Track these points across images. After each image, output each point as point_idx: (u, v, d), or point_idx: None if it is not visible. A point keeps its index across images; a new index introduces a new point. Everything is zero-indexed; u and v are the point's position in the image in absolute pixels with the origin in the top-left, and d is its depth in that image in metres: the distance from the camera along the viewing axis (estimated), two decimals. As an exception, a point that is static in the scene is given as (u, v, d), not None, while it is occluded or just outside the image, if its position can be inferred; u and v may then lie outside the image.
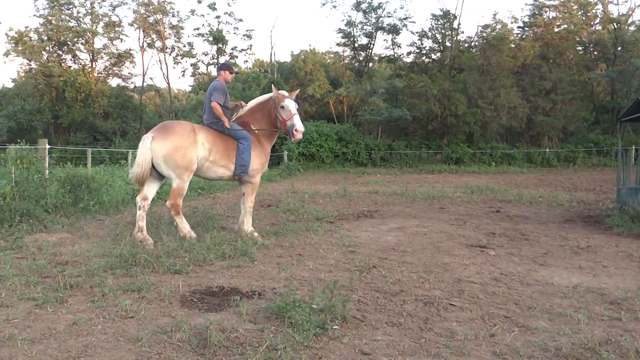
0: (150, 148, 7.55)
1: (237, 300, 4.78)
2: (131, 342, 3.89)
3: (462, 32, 52.24)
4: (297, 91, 8.83)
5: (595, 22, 45.20)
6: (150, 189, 7.92)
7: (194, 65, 49.34)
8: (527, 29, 45.27)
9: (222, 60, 47.08)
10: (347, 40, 47.30)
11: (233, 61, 47.98)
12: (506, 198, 15.12)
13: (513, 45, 42.30)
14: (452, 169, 32.78)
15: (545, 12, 44.17)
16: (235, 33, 47.56)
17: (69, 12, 47.40)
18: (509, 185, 20.40)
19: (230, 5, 55.36)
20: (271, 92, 8.45)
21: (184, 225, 7.86)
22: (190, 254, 6.69)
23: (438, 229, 9.57)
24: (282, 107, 8.20)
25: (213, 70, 47.92)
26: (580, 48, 45.09)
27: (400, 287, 5.49)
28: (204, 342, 3.85)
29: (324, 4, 60.97)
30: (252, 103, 8.71)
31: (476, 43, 43.94)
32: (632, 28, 42.36)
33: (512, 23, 46.90)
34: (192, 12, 47.90)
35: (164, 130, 7.80)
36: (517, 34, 45.99)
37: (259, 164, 8.41)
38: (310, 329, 4.00)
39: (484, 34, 43.35)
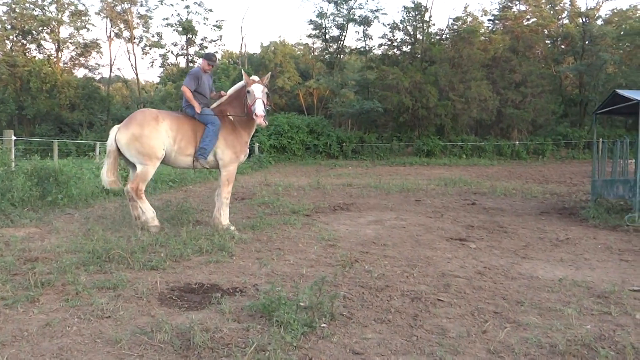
0: (115, 138, 7.94)
1: (219, 298, 4.59)
2: (110, 344, 3.67)
3: (434, 25, 52.56)
4: (268, 74, 8.66)
5: (564, 16, 45.69)
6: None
7: (163, 56, 48.69)
8: (497, 22, 45.54)
9: (191, 51, 46.52)
10: (318, 31, 47.10)
11: (202, 52, 47.37)
12: (480, 190, 15.13)
13: (484, 38, 42.63)
14: (424, 161, 32.87)
15: (515, 5, 44.50)
16: (205, 23, 47.03)
17: (34, 0, 46.26)
18: (480, 178, 20.48)
19: (199, -5, 54.42)
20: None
21: (148, 210, 7.92)
22: (166, 249, 6.49)
23: (416, 221, 9.48)
24: (248, 92, 8.09)
25: (182, 61, 47.38)
26: (549, 41, 45.57)
27: (386, 282, 5.35)
28: (187, 343, 3.66)
29: (295, -5, 60.56)
30: (230, 91, 8.61)
31: (447, 35, 44.14)
32: (599, 22, 42.91)
33: (482, 16, 47.22)
34: (161, 1, 46.90)
35: (128, 119, 8.13)
36: (488, 26, 46.29)
37: (232, 153, 8.27)
38: (298, 328, 3.83)
39: (455, 27, 43.54)
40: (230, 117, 8.31)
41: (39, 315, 4.21)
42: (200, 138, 8.09)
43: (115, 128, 8.16)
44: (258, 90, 8.01)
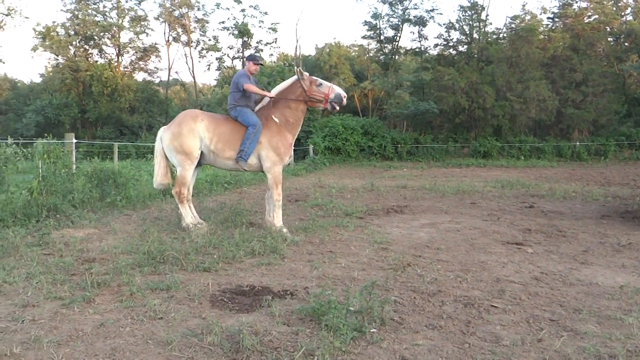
0: (161, 138, 8.39)
1: (269, 301, 4.60)
2: (160, 346, 3.72)
3: (490, 24, 51.70)
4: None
5: (627, 12, 44.19)
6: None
7: (219, 59, 49.40)
8: (556, 19, 44.38)
9: (247, 53, 47.00)
10: (372, 32, 46.98)
11: (259, 54, 47.89)
12: (538, 193, 14.75)
13: (542, 37, 41.54)
14: (480, 163, 32.28)
15: (576, 2, 43.28)
16: (260, 26, 47.47)
17: (96, 6, 47.78)
18: (539, 180, 19.97)
19: (255, -1, 55.13)
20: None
21: (187, 216, 8.16)
22: (219, 251, 6.56)
23: (471, 225, 9.30)
24: (320, 84, 8.46)
25: (238, 64, 47.96)
26: (611, 39, 44.05)
27: (438, 287, 5.26)
28: (236, 346, 3.67)
29: (349, -4, 60.50)
30: (277, 90, 8.62)
31: (505, 34, 43.27)
32: (665, 18, 41.35)
33: (541, 14, 46.12)
34: (218, 5, 48.00)
35: (172, 120, 8.46)
36: (547, 24, 45.13)
37: (276, 155, 8.26)
38: (348, 333, 3.80)
39: (513, 25, 42.65)
40: (275, 120, 8.35)
41: (94, 316, 4.30)
42: (240, 141, 8.15)
43: (161, 129, 8.56)
44: (325, 81, 8.57)
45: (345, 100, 8.48)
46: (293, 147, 8.87)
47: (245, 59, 8.96)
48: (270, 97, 8.44)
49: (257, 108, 8.57)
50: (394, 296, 4.90)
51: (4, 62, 74.09)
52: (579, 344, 3.86)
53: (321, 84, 8.47)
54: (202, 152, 8.21)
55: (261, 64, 8.95)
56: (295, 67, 9.75)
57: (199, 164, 8.49)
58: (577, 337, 4.02)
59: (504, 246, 7.47)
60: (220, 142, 8.13)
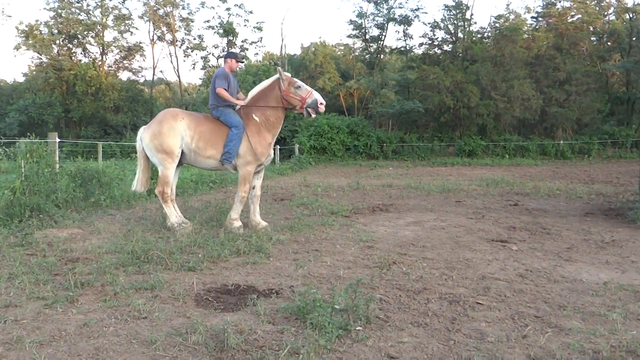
0: (140, 137, 8.31)
1: (254, 299, 4.58)
2: (145, 345, 3.69)
3: (475, 23, 51.92)
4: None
5: (610, 12, 44.64)
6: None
7: (205, 58, 49.20)
8: (540, 19, 44.73)
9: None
10: (358, 31, 47.09)
11: (243, 53, 47.75)
12: (523, 191, 14.84)
13: (526, 36, 41.95)
14: (465, 162, 32.46)
15: (559, 2, 43.64)
16: (245, 25, 47.40)
17: (79, 5, 47.46)
18: (524, 178, 20.10)
19: (240, -2, 54.97)
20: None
21: (172, 215, 8.08)
22: (204, 250, 6.53)
23: (456, 223, 9.33)
24: (299, 87, 8.22)
25: (223, 63, 47.76)
26: (594, 38, 44.54)
27: (423, 285, 5.27)
28: (221, 345, 3.65)
29: (335, -5, 60.59)
30: (254, 91, 8.53)
31: (489, 34, 43.58)
32: (647, 18, 41.73)
33: (525, 13, 46.44)
34: (202, 4, 47.70)
35: (152, 119, 8.39)
36: (531, 24, 45.53)
37: (252, 154, 8.20)
38: (333, 331, 3.79)
39: (497, 25, 42.93)
40: (255, 119, 8.28)
41: (78, 316, 4.25)
42: (221, 140, 8.11)
43: (142, 128, 8.50)
44: (304, 84, 8.29)
45: (322, 107, 8.19)
46: (279, 147, 8.82)
47: (225, 57, 8.82)
48: (242, 105, 8.34)
49: (237, 107, 8.47)
50: (380, 294, 4.90)
51: (-14, 62, 73.25)
52: (564, 340, 3.87)
53: (300, 86, 8.23)
54: (182, 152, 8.13)
55: (242, 62, 8.90)
56: (279, 67, 9.68)
57: (180, 164, 8.38)
58: (562, 333, 4.04)
59: (489, 244, 7.50)
60: (202, 141, 8.07)
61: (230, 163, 8.16)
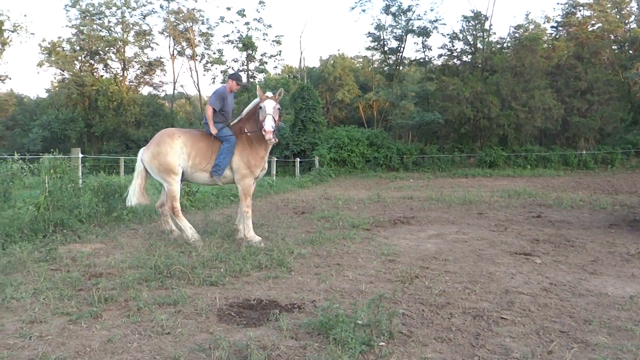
0: (141, 158, 8.56)
1: (277, 315, 4.57)
2: (168, 361, 3.70)
3: (494, 33, 51.61)
4: (281, 90, 8.66)
5: (630, 20, 44.22)
6: (165, 196, 8.62)
7: (224, 72, 49.49)
8: (560, 28, 44.48)
9: (251, 66, 47.18)
10: (376, 44, 47.18)
11: (263, 67, 47.98)
12: (545, 202, 14.71)
13: (546, 46, 41.66)
14: (486, 173, 32.23)
15: (579, 10, 43.34)
16: (264, 39, 47.43)
17: (100, 21, 48.14)
18: (546, 189, 19.92)
19: (259, 12, 55.43)
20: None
21: (187, 228, 8.27)
22: (226, 265, 6.54)
23: (478, 235, 9.27)
24: (261, 107, 8.23)
25: (244, 77, 48.08)
26: (615, 47, 44.04)
27: (446, 299, 5.22)
28: (244, 361, 3.65)
29: (353, 8, 60.84)
30: (247, 108, 8.78)
31: (508, 44, 43.36)
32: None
33: (545, 23, 46.24)
34: (222, 19, 47.84)
35: (150, 140, 8.64)
36: (551, 33, 45.27)
37: (246, 167, 8.40)
38: (356, 347, 3.77)
39: (517, 35, 42.77)
40: (248, 134, 8.46)
41: (102, 331, 4.28)
42: (216, 155, 8.36)
43: (141, 150, 8.73)
44: (269, 106, 8.14)
45: (267, 135, 7.97)
46: (299, 160, 8.86)
47: (228, 77, 8.98)
48: (213, 134, 8.45)
49: (233, 122, 8.73)
50: (402, 309, 4.86)
51: (10, 78, 74.73)
52: (590, 356, 3.82)
53: (262, 108, 8.20)
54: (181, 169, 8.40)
55: (243, 85, 9.00)
56: (257, 85, 9.77)
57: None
58: (588, 348, 3.98)
59: (512, 257, 7.43)
60: (198, 157, 8.35)
61: (220, 176, 8.37)
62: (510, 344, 4.07)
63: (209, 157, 8.34)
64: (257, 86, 8.79)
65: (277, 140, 8.27)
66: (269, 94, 8.42)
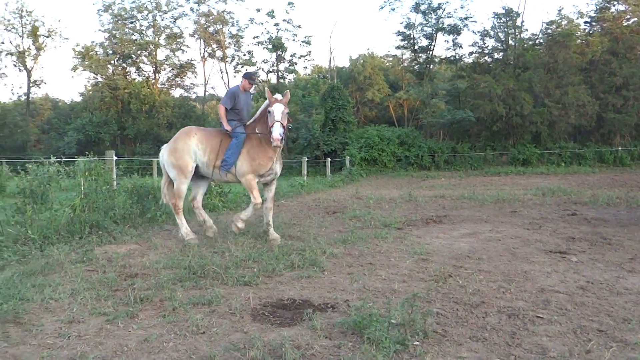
0: (161, 154, 9.04)
1: (310, 314, 4.58)
2: (204, 360, 3.73)
3: (526, 30, 50.69)
4: (287, 92, 8.69)
5: (667, 14, 43.18)
6: (194, 191, 9.16)
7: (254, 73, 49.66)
8: (594, 23, 43.59)
9: (281, 67, 47.32)
10: (406, 42, 46.90)
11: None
12: (581, 200, 14.46)
13: (580, 41, 40.88)
14: (519, 171, 31.85)
15: (614, 5, 42.48)
16: (294, 40, 47.48)
17: (132, 25, 48.75)
18: (581, 187, 19.60)
19: (288, 13, 55.51)
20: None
21: (182, 226, 8.64)
22: (259, 265, 6.58)
23: (512, 234, 9.16)
24: (269, 112, 8.25)
25: (273, 78, 48.28)
26: (652, 41, 43.09)
27: (481, 298, 5.18)
28: (278, 360, 3.67)
29: (382, 7, 60.86)
30: (260, 110, 8.84)
31: (541, 40, 42.71)
32: None
33: (578, 18, 45.35)
34: (251, 20, 48.25)
35: (172, 138, 9.01)
36: (584, 29, 44.38)
37: (249, 165, 8.45)
38: (390, 346, 3.76)
39: (549, 31, 42.06)
40: (258, 132, 8.56)
41: (138, 331, 4.34)
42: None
43: (163, 146, 9.18)
44: (278, 111, 8.14)
45: (274, 143, 8.00)
46: (330, 160, 8.86)
47: (242, 76, 9.06)
48: (226, 130, 8.66)
49: (249, 122, 8.85)
50: (436, 308, 4.83)
51: (45, 83, 76.33)
52: (630, 355, 3.75)
53: (270, 112, 8.22)
54: (198, 165, 8.67)
55: (255, 84, 9.04)
56: (267, 88, 9.79)
57: (203, 177, 8.99)
58: (627, 347, 3.91)
59: (547, 255, 7.33)
60: (212, 153, 8.57)
61: (227, 172, 8.52)
62: (547, 343, 4.01)
63: (221, 154, 8.53)
64: (267, 88, 8.83)
65: (282, 145, 8.27)
66: (278, 96, 8.43)
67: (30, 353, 3.87)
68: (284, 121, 8.20)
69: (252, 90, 9.08)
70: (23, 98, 53.07)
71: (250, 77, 9.05)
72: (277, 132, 7.96)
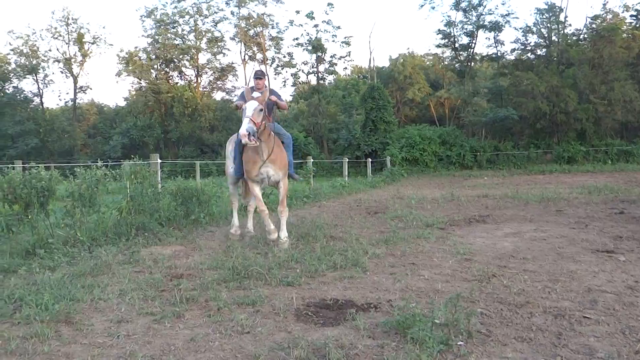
0: None
1: (353, 314, 4.60)
2: (249, 359, 3.79)
3: (570, 25, 49.65)
4: (266, 90, 8.24)
5: None
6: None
7: (294, 75, 49.86)
8: (640, 17, 42.52)
9: (321, 68, 47.35)
10: (447, 40, 46.43)
11: (332, 68, 48.05)
12: (629, 198, 14.14)
13: (626, 35, 39.88)
14: (564, 169, 31.30)
15: (661, -2, 41.36)
16: (333, 41, 47.45)
17: (174, 30, 49.49)
18: (629, 184, 19.15)
19: (328, 14, 55.34)
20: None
21: (234, 221, 9.31)
22: (301, 265, 6.62)
23: (558, 233, 9.01)
24: (242, 109, 7.88)
25: (313, 79, 48.37)
26: (701, 34, 41.81)
27: (526, 298, 5.11)
28: (323, 359, 3.69)
29: (422, 6, 60.41)
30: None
31: (585, 35, 41.83)
32: None
33: (624, 12, 44.24)
34: (291, 22, 48.30)
35: None
36: (630, 23, 43.28)
37: (244, 170, 8.38)
38: (434, 346, 3.75)
39: (594, 26, 41.13)
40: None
41: (185, 331, 4.42)
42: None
43: None
44: (250, 108, 7.69)
45: (242, 139, 7.54)
46: (370, 160, 8.83)
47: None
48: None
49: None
50: (480, 308, 4.80)
51: (91, 88, 78.02)
52: (681, 357, 3.67)
53: (243, 110, 7.85)
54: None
55: (260, 78, 8.72)
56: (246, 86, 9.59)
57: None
58: (678, 349, 3.82)
59: (594, 254, 7.19)
60: (228, 159, 9.06)
61: (240, 175, 8.74)
62: (594, 343, 3.95)
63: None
64: (247, 88, 8.41)
65: (254, 142, 7.57)
66: (256, 94, 8.00)
67: (82, 352, 3.99)
68: (257, 118, 7.66)
69: (265, 87, 8.55)
70: (70, 104, 54.32)
71: (255, 74, 8.76)
72: (243, 128, 7.49)
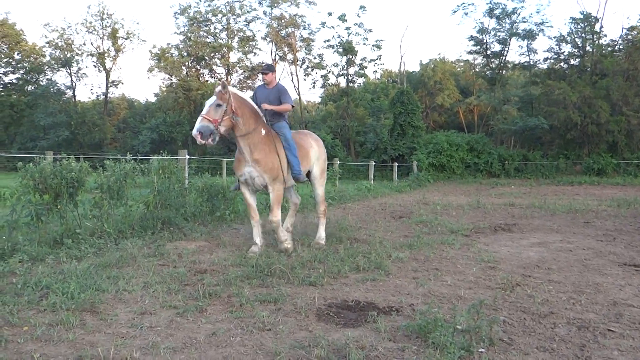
0: None
1: (375, 316, 4.60)
2: (269, 356, 3.81)
3: (605, 36, 49.18)
4: (223, 81, 8.04)
5: None
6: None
7: (324, 77, 49.95)
8: (678, 29, 41.84)
9: (351, 71, 47.35)
10: (478, 47, 46.21)
11: (362, 72, 47.96)
12: (659, 212, 13.90)
13: (662, 48, 39.26)
14: (594, 181, 30.87)
15: (700, 10, 40.63)
16: (364, 44, 47.43)
17: (207, 28, 49.90)
18: (660, 199, 18.81)
19: (360, 17, 55.41)
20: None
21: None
22: (324, 266, 6.64)
23: (584, 245, 8.90)
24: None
25: (342, 81, 48.38)
26: None
27: (550, 308, 5.06)
28: (343, 359, 3.70)
29: (454, 12, 60.24)
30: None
31: (621, 46, 41.30)
32: None
33: (661, 24, 43.57)
34: (323, 24, 48.33)
35: None
36: (667, 35, 42.64)
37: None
38: (455, 352, 3.73)
39: (630, 37, 40.63)
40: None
41: (206, 325, 4.46)
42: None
43: None
44: (207, 104, 7.23)
45: (197, 140, 6.99)
46: (397, 164, 8.72)
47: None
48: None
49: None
50: (503, 316, 4.76)
51: (123, 83, 78.76)
52: None
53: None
54: None
55: (265, 73, 8.38)
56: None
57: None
58: None
59: (621, 268, 7.09)
60: None
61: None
62: (618, 357, 3.90)
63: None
64: (221, 82, 7.88)
65: (209, 142, 7.06)
66: (217, 88, 7.32)
67: (105, 341, 4.04)
68: (214, 115, 7.07)
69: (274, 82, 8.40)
70: (101, 97, 55.09)
71: (262, 70, 8.43)
72: (195, 127, 7.03)
